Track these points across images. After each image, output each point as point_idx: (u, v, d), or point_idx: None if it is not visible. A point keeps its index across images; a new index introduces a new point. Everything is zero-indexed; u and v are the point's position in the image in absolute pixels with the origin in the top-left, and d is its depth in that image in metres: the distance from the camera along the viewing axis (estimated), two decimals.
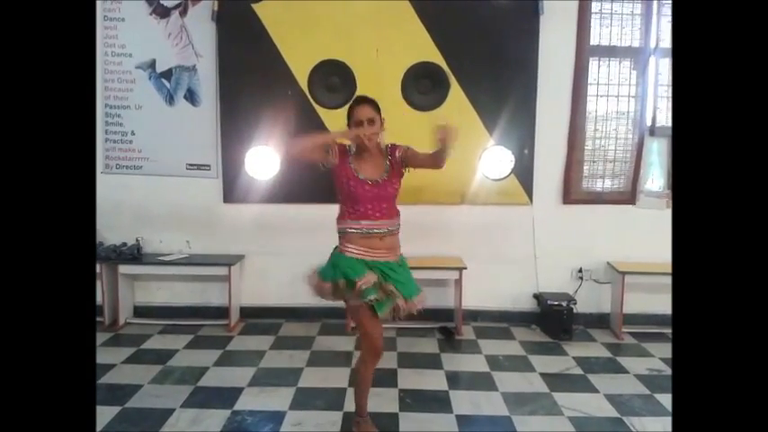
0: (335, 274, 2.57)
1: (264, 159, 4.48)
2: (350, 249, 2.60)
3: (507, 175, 4.51)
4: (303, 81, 4.42)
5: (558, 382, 3.56)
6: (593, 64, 4.50)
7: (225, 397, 3.30)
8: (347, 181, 2.59)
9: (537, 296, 4.63)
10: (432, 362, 3.88)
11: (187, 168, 4.62)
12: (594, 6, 4.44)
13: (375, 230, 2.58)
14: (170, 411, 3.12)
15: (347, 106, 2.71)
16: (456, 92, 4.42)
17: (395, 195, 2.66)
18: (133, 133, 4.60)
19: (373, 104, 2.62)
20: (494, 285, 4.67)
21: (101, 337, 4.24)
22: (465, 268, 4.39)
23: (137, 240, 4.60)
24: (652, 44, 4.45)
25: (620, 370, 3.78)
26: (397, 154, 2.66)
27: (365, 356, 2.72)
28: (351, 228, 2.60)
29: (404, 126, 4.40)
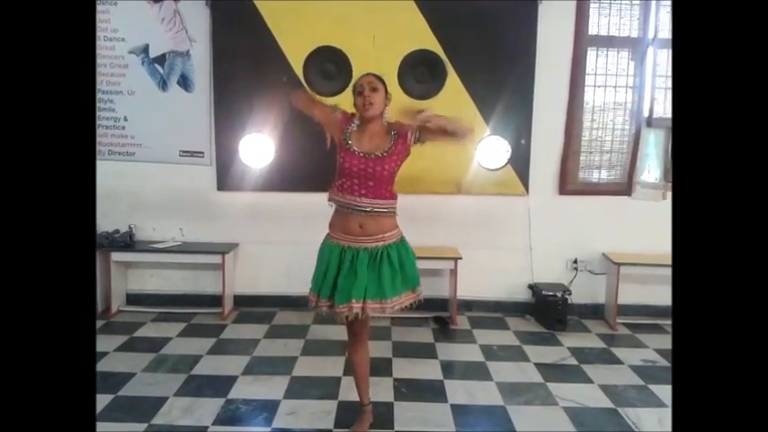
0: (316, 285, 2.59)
1: (259, 147, 4.45)
2: (331, 235, 2.58)
3: (503, 165, 4.50)
4: (298, 68, 4.37)
5: (552, 372, 3.57)
6: (591, 54, 4.48)
7: (218, 385, 3.28)
8: (339, 152, 2.53)
9: (532, 286, 4.63)
10: (426, 351, 3.87)
11: (180, 155, 4.57)
12: None
13: (355, 207, 2.47)
14: (163, 400, 3.09)
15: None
16: (453, 80, 4.38)
17: (387, 177, 2.49)
18: (126, 119, 4.54)
19: (377, 75, 2.53)
20: (489, 275, 4.67)
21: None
22: (460, 258, 4.38)
23: (129, 227, 4.56)
24: (650, 35, 4.43)
25: (615, 361, 3.79)
26: (408, 136, 2.50)
27: (348, 348, 2.77)
28: (334, 199, 2.55)
29: (400, 115, 4.39)
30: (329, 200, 2.59)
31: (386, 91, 2.53)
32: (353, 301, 2.46)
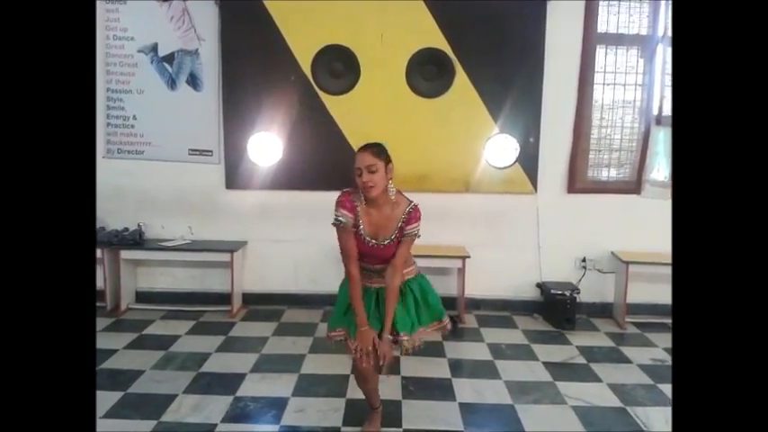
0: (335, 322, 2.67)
1: (267, 145, 4.46)
2: None
3: (512, 164, 4.49)
4: (306, 66, 4.39)
5: (561, 371, 3.56)
6: (600, 52, 4.46)
7: (227, 383, 3.30)
8: (355, 234, 2.50)
9: (540, 285, 4.62)
10: (435, 350, 3.86)
11: (189, 154, 4.59)
12: None
13: (372, 271, 2.55)
14: (172, 397, 3.11)
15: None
16: (461, 79, 4.38)
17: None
18: (135, 118, 4.56)
19: (375, 150, 2.39)
20: (497, 274, 4.66)
21: (103, 323, 4.24)
22: (468, 257, 4.37)
23: (139, 226, 4.58)
24: (660, 32, 4.40)
25: (624, 360, 3.77)
26: (408, 226, 2.46)
27: (354, 373, 2.80)
28: None
29: (408, 113, 4.40)
30: None
31: (387, 162, 2.41)
32: (402, 334, 2.52)
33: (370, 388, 2.77)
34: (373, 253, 2.49)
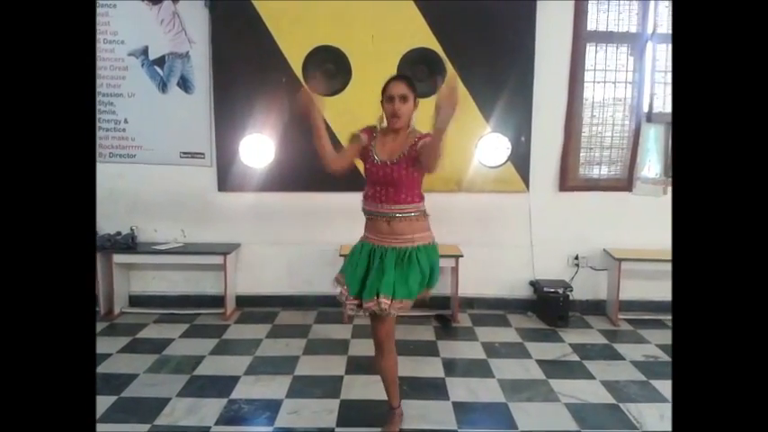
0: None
1: (259, 147, 4.46)
2: (364, 234, 2.64)
3: (504, 163, 4.50)
4: (297, 68, 4.38)
5: (554, 368, 3.57)
6: (590, 50, 4.47)
7: (221, 385, 3.29)
8: (365, 161, 2.59)
9: (533, 283, 4.63)
10: (428, 349, 3.87)
11: (181, 156, 4.58)
12: None
13: (378, 213, 2.53)
14: (166, 400, 3.10)
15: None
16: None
17: (406, 181, 2.51)
18: (126, 121, 4.55)
19: (408, 81, 2.52)
20: (490, 273, 4.67)
21: (96, 327, 4.23)
22: (461, 256, 4.37)
23: (131, 229, 4.58)
24: (649, 30, 4.42)
25: (617, 356, 3.79)
26: (419, 143, 2.49)
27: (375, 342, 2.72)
28: (364, 209, 2.62)
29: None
30: (362, 209, 2.65)
31: (415, 98, 2.52)
32: (382, 297, 2.46)
33: (388, 369, 2.71)
34: (381, 177, 2.50)
